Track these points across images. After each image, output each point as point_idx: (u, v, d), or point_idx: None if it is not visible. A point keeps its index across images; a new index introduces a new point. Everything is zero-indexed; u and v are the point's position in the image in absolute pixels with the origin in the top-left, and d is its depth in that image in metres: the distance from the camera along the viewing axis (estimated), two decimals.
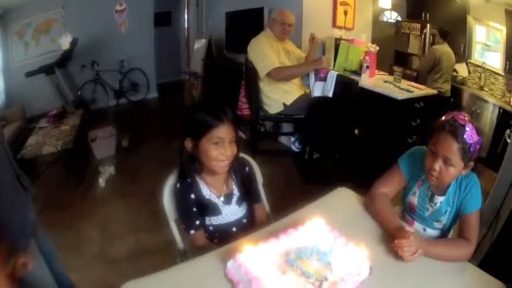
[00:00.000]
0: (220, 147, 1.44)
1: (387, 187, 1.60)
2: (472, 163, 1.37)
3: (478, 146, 1.33)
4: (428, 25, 5.04)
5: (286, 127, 4.51)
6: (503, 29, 4.25)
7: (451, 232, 1.59)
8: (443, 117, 1.37)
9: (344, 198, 1.67)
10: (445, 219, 1.53)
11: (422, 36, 5.10)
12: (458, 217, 1.48)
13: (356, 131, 3.51)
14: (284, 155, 4.28)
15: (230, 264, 1.16)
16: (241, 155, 1.63)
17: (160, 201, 1.60)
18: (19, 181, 1.52)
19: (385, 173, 1.64)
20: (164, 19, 7.75)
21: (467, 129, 1.29)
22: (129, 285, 1.14)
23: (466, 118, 1.32)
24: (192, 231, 1.51)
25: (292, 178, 3.74)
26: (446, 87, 4.56)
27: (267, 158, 3.80)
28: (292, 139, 4.26)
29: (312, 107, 3.47)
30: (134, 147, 4.59)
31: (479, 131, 1.33)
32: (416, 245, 1.26)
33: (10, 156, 1.51)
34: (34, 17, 5.47)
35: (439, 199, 1.50)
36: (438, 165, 1.36)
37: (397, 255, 1.26)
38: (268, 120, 4.06)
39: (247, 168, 1.66)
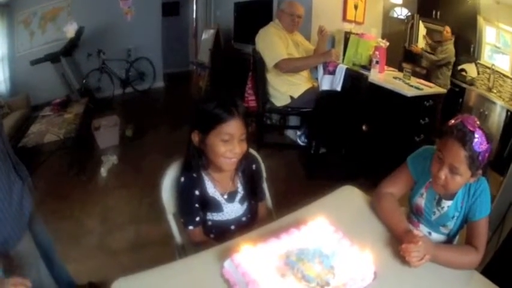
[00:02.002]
0: (229, 144, 1.35)
1: (394, 187, 1.53)
2: (480, 171, 1.28)
3: (487, 154, 1.24)
4: (415, 15, 4.99)
5: (293, 120, 4.45)
6: None
7: (457, 238, 1.52)
8: (451, 121, 1.28)
9: (350, 197, 1.61)
10: (451, 225, 1.45)
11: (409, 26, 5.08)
12: (465, 223, 1.41)
13: (363, 127, 3.44)
14: (289, 149, 4.23)
15: (227, 264, 1.10)
16: (249, 150, 1.55)
17: (159, 193, 1.54)
18: (15, 170, 1.49)
19: (393, 172, 1.57)
20: (172, 9, 7.70)
21: (476, 136, 1.20)
22: (120, 282, 1.09)
23: (476, 123, 1.23)
24: (191, 227, 1.46)
25: (296, 173, 3.69)
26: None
27: (272, 152, 3.76)
28: (299, 133, 4.21)
29: (320, 100, 3.41)
30: (138, 137, 4.56)
31: (489, 137, 1.24)
32: (424, 250, 1.19)
33: (7, 145, 1.48)
34: (40, 5, 5.43)
35: (447, 203, 1.42)
36: (444, 174, 1.28)
37: (403, 260, 1.21)
38: (274, 112, 4.01)
39: (254, 166, 1.59)
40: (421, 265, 1.19)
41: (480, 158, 1.22)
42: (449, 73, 4.60)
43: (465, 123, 1.23)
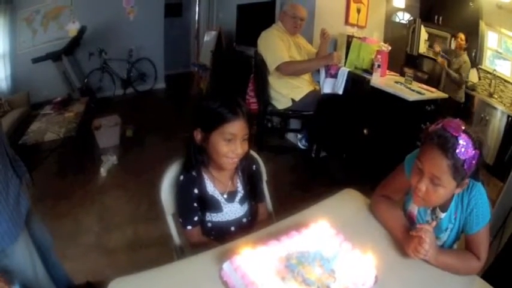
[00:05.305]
0: (231, 143, 1.35)
1: (391, 190, 1.45)
2: (467, 180, 1.16)
3: (474, 161, 1.10)
4: (417, 20, 4.97)
5: (294, 124, 4.43)
6: None
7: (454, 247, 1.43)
8: (432, 126, 1.17)
9: (351, 200, 1.59)
10: (445, 237, 1.35)
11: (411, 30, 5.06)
12: (461, 234, 1.33)
13: (365, 131, 3.43)
14: (290, 152, 4.21)
15: (226, 266, 1.08)
16: (250, 151, 1.55)
17: (158, 193, 1.53)
18: (12, 167, 1.47)
19: (390, 174, 1.47)
20: (175, 10, 7.69)
21: (460, 141, 1.07)
22: (117, 283, 1.08)
23: (460, 127, 1.09)
24: (189, 227, 1.45)
25: (297, 176, 3.67)
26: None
27: (272, 155, 3.74)
28: (299, 136, 4.20)
29: (321, 103, 3.40)
30: (138, 138, 4.55)
31: (476, 142, 1.10)
32: (432, 241, 1.15)
33: (5, 141, 1.46)
34: (43, 3, 5.44)
35: (441, 215, 1.32)
36: (424, 185, 1.15)
37: (404, 254, 1.20)
38: (275, 115, 3.99)
39: (254, 167, 1.59)
40: (425, 256, 1.16)
41: (465, 166, 1.09)
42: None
43: (447, 128, 1.11)
